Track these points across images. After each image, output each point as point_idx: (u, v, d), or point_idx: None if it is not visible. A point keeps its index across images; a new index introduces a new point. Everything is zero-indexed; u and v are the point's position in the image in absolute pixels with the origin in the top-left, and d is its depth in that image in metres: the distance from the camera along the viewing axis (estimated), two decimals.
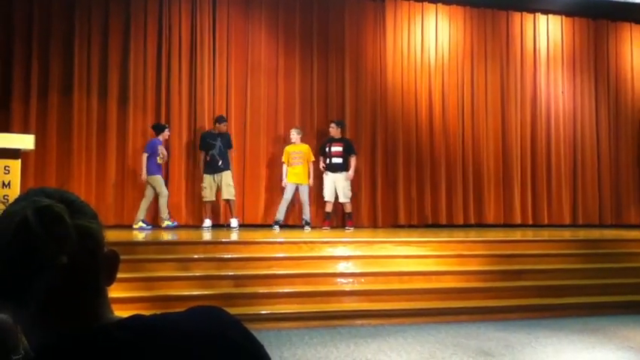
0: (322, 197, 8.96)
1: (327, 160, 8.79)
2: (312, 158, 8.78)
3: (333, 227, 8.89)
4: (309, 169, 8.70)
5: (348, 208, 8.87)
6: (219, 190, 8.49)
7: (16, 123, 8.24)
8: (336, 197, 8.79)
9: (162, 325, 0.88)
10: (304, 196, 8.64)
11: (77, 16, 8.64)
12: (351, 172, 8.74)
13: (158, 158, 8.24)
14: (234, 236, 7.38)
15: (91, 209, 0.91)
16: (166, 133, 8.44)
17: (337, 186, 8.70)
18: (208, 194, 8.46)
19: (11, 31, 8.39)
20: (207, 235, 7.47)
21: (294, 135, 8.72)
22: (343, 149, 8.73)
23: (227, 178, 8.47)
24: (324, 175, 8.82)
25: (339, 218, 9.32)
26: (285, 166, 8.71)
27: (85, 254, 0.85)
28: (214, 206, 8.78)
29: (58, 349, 0.82)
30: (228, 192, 8.46)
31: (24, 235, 0.82)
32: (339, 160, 8.70)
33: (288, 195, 8.59)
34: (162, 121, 8.78)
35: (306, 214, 8.67)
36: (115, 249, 0.92)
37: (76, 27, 8.62)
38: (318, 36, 9.69)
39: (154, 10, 9.01)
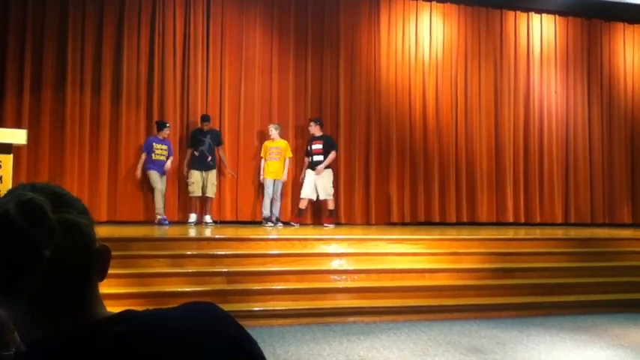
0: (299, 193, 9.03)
1: (310, 159, 8.83)
2: (290, 154, 8.88)
3: (302, 224, 8.92)
4: (285, 165, 8.80)
5: (331, 205, 8.91)
6: (204, 186, 8.58)
7: (9, 118, 8.19)
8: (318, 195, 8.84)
9: (154, 321, 0.88)
10: (278, 191, 8.77)
11: (71, 12, 8.59)
12: (322, 165, 8.66)
13: (153, 155, 8.30)
14: (227, 233, 7.37)
15: (82, 204, 0.91)
16: (165, 131, 8.46)
17: (317, 184, 8.73)
18: (196, 189, 8.56)
19: (5, 26, 8.33)
20: (200, 232, 7.46)
21: (273, 131, 8.82)
22: (323, 146, 8.77)
23: (213, 176, 8.65)
24: (306, 173, 8.85)
25: (320, 215, 9.34)
26: (263, 161, 8.82)
27: (73, 248, 0.84)
28: (204, 202, 8.79)
29: (49, 344, 0.82)
30: (212, 190, 8.63)
31: (5, 229, 0.81)
32: (319, 158, 8.75)
33: (269, 190, 8.70)
34: (155, 117, 8.81)
35: (277, 210, 8.78)
36: (106, 244, 0.91)
37: (70, 23, 8.57)
38: (312, 33, 9.68)
39: (147, 6, 8.97)
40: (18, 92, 8.32)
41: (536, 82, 10.81)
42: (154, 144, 8.36)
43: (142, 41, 8.91)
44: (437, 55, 10.29)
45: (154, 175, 8.33)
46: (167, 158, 8.47)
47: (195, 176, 8.56)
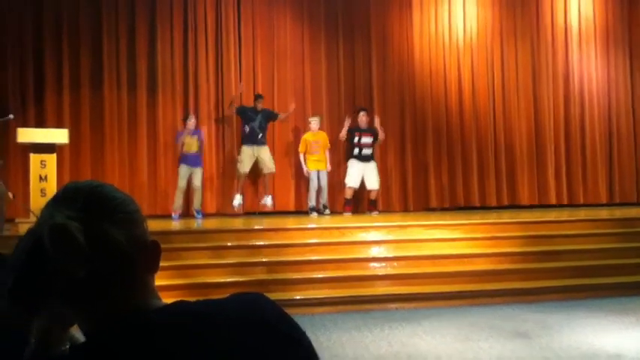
0: (340, 183, 9.01)
1: (357, 151, 8.80)
2: (329, 145, 8.86)
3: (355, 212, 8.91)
4: (326, 155, 8.82)
5: (375, 196, 8.92)
6: (255, 164, 8.53)
7: (50, 118, 8.39)
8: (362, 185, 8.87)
9: (205, 311, 0.89)
10: (324, 181, 8.75)
11: (104, 9, 8.72)
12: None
13: (184, 147, 8.31)
14: (266, 223, 7.44)
15: (125, 207, 0.90)
16: (190, 122, 8.38)
17: (370, 174, 8.75)
18: (244, 166, 8.45)
19: (41, 27, 8.50)
20: (239, 224, 7.54)
21: (314, 124, 8.77)
22: (373, 140, 8.81)
23: (267, 152, 8.56)
24: (351, 162, 8.81)
25: (363, 205, 9.34)
26: (302, 155, 8.78)
27: (109, 258, 0.86)
28: (264, 180, 8.78)
29: (101, 337, 0.84)
30: (270, 166, 8.54)
31: (39, 256, 0.84)
32: (368, 152, 8.80)
33: (314, 182, 8.70)
34: (190, 110, 8.90)
35: (325, 198, 8.79)
36: (156, 239, 0.93)
37: (104, 20, 8.70)
38: (343, 20, 9.60)
39: (179, 0, 9.05)
40: (57, 92, 8.52)
41: (575, 59, 10.50)
42: (179, 137, 8.37)
43: (175, 34, 8.99)
44: (471, 36, 10.08)
45: (180, 169, 8.32)
46: (199, 149, 8.42)
47: (246, 152, 8.46)
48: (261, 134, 8.51)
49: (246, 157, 8.45)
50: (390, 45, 9.77)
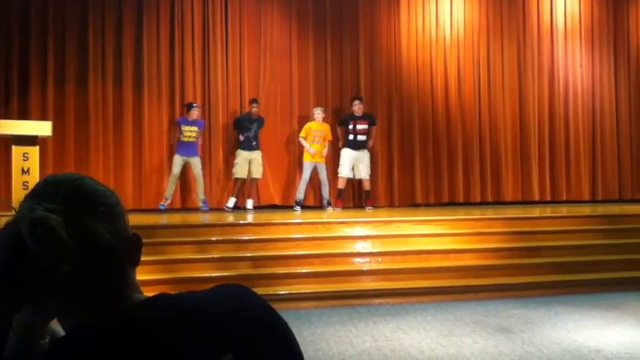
0: (335, 175, 9.01)
1: (352, 137, 8.77)
2: (330, 137, 8.84)
3: (345, 207, 8.91)
4: (325, 147, 8.78)
5: (369, 186, 8.93)
6: (250, 167, 8.59)
7: (34, 111, 8.29)
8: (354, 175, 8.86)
9: (186, 303, 0.89)
10: (324, 174, 8.71)
11: (91, 3, 8.63)
12: (371, 141, 8.88)
13: (181, 136, 8.36)
14: (251, 218, 7.43)
15: (104, 198, 0.89)
16: (193, 112, 8.41)
17: (361, 162, 8.74)
18: (240, 170, 8.53)
19: (27, 21, 8.40)
20: (224, 218, 7.52)
21: (319, 114, 8.75)
22: (368, 126, 8.80)
23: (259, 157, 8.64)
24: (344, 151, 8.80)
25: (355, 198, 9.37)
26: (302, 139, 8.68)
27: (92, 252, 0.84)
28: (250, 184, 8.82)
29: (83, 330, 0.83)
30: (259, 171, 8.62)
31: (19, 251, 0.81)
32: (364, 138, 8.78)
33: (306, 175, 8.65)
34: (177, 105, 8.87)
35: (327, 193, 8.73)
36: (137, 233, 0.92)
37: (90, 14, 8.61)
38: (331, 15, 9.58)
39: None
40: (42, 87, 8.41)
41: (560, 57, 10.58)
42: (182, 125, 8.39)
43: (162, 30, 8.92)
44: (458, 32, 10.12)
45: (175, 159, 8.34)
46: (197, 139, 8.42)
47: (243, 156, 8.53)
48: (255, 142, 8.61)
49: (242, 162, 8.53)
50: (378, 41, 9.77)
